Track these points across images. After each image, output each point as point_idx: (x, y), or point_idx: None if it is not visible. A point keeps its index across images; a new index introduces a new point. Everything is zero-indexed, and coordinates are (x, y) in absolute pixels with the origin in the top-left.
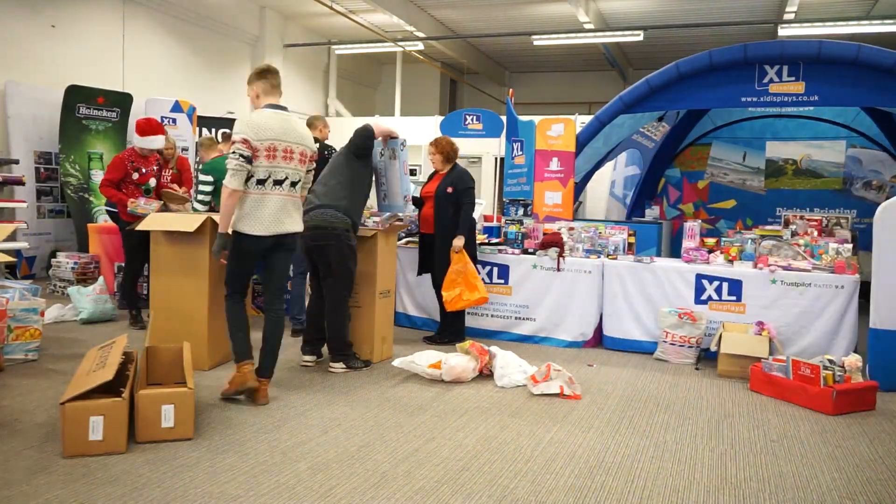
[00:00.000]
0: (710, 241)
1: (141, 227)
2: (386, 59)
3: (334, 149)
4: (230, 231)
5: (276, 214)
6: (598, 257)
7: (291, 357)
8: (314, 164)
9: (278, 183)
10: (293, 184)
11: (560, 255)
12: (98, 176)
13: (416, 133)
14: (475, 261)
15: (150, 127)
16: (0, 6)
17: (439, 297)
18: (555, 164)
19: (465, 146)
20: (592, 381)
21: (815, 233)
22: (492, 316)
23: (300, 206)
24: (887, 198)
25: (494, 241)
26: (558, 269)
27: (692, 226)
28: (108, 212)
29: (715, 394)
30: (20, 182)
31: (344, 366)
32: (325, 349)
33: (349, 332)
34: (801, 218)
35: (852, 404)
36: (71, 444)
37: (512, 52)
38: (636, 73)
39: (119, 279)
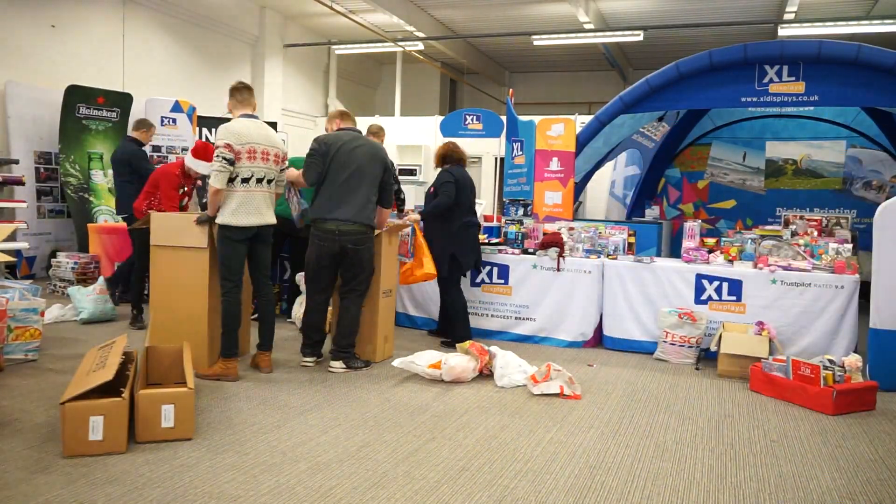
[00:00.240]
0: (710, 241)
1: (153, 240)
2: (386, 59)
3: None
4: (219, 225)
5: (259, 208)
6: (598, 257)
7: (291, 357)
8: (287, 163)
9: (259, 181)
10: (269, 181)
11: (560, 255)
12: (98, 176)
13: (416, 133)
14: (477, 266)
15: (206, 153)
16: (0, 6)
17: (441, 297)
18: (555, 164)
19: (465, 146)
20: (592, 381)
21: (815, 233)
22: (492, 316)
23: (274, 202)
24: (887, 198)
25: (494, 241)
26: (558, 269)
27: (692, 226)
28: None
29: (715, 394)
30: (20, 182)
31: (344, 366)
32: (325, 350)
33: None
34: (801, 218)
35: (852, 404)
36: (71, 444)
37: (512, 52)
38: (636, 73)
39: (115, 274)
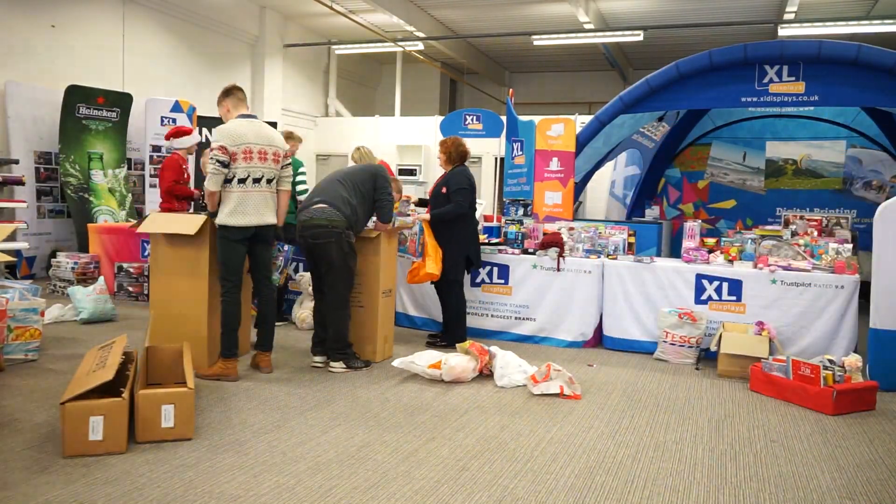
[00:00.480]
0: (710, 241)
1: (142, 228)
2: (386, 59)
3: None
4: (218, 225)
5: (257, 208)
6: (598, 257)
7: (290, 358)
8: (288, 161)
9: (256, 181)
10: (269, 181)
11: (560, 255)
12: (98, 176)
13: (416, 133)
14: (478, 266)
15: (178, 131)
16: (0, 6)
17: (441, 298)
18: (555, 164)
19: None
20: (592, 381)
21: (815, 233)
22: (492, 316)
23: (275, 201)
24: (887, 198)
25: (494, 241)
26: (558, 269)
27: (692, 226)
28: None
29: (715, 394)
30: (20, 182)
31: (344, 366)
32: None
33: (349, 332)
34: (801, 218)
35: (852, 404)
36: (71, 444)
37: (512, 52)
38: (636, 73)
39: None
